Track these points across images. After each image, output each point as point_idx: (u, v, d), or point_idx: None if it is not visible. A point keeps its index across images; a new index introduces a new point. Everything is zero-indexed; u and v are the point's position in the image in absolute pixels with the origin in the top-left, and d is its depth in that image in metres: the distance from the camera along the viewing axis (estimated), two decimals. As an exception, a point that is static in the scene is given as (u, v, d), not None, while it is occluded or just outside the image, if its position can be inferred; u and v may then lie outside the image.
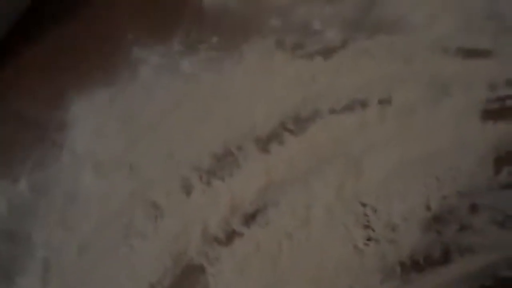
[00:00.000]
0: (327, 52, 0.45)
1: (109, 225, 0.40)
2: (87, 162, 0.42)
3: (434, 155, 0.41)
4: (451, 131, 0.42)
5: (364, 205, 0.39)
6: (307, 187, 0.40)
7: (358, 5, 0.46)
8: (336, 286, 0.37)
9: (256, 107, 0.43)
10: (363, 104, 0.43)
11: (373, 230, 0.38)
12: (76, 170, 0.42)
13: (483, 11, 0.46)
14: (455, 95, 0.43)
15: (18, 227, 0.40)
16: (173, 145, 0.42)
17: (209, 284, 0.38)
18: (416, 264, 0.37)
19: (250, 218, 0.40)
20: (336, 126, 0.42)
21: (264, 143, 0.42)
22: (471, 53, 0.44)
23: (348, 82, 0.43)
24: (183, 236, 0.39)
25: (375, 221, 0.39)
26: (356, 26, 0.45)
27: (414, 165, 0.40)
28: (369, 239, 0.38)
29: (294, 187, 0.40)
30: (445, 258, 0.38)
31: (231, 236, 0.39)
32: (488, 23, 0.46)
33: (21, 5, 0.50)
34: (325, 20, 0.46)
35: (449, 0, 0.47)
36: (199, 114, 0.43)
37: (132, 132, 0.43)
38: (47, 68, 0.47)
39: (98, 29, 0.48)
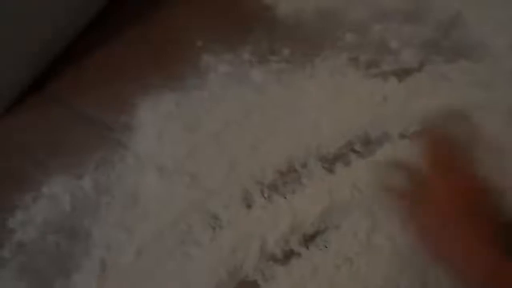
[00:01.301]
0: (402, 73, 0.43)
1: (167, 231, 0.39)
2: (150, 166, 0.42)
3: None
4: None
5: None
6: (370, 213, 0.39)
7: (438, 27, 0.45)
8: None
9: (323, 124, 0.42)
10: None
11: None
12: (138, 173, 0.42)
13: None
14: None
15: (79, 224, 0.41)
16: (236, 156, 0.41)
17: (262, 302, 0.37)
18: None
19: (309, 239, 0.38)
20: (405, 153, 0.41)
21: (330, 162, 0.41)
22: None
23: (422, 106, 0.41)
24: (240, 250, 0.38)
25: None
26: (435, 48, 0.44)
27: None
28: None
29: (357, 211, 0.39)
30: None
31: (288, 255, 0.38)
32: None
33: (91, 11, 0.51)
34: (403, 39, 0.44)
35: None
36: (265, 126, 0.43)
37: (195, 140, 0.43)
38: (115, 72, 0.48)
39: (167, 35, 0.49)
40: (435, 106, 0.41)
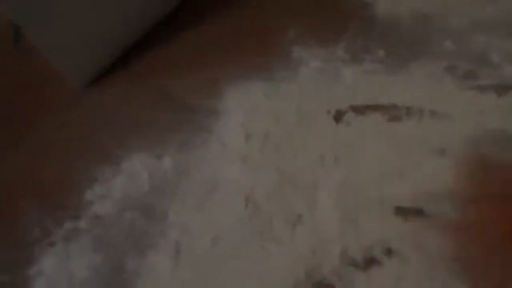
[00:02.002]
0: (502, 89, 0.42)
1: (247, 223, 0.39)
2: (233, 154, 0.42)
3: None
4: None
5: None
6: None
7: (544, 44, 0.43)
8: None
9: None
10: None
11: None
12: (220, 159, 0.42)
13: None
14: None
15: (156, 204, 0.41)
16: (328, 157, 0.40)
17: (337, 307, 0.36)
18: None
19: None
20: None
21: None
22: None
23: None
24: (320, 251, 0.37)
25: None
26: (540, 66, 0.42)
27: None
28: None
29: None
30: None
31: (370, 262, 0.37)
32: None
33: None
34: (505, 54, 0.43)
35: None
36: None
37: (282, 132, 0.42)
38: (203, 56, 0.47)
39: (260, 22, 0.48)
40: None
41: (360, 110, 0.42)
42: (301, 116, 0.42)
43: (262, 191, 0.40)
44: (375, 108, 0.42)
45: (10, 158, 0.46)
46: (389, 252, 0.38)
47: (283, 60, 0.45)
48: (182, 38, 0.49)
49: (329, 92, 0.43)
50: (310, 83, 0.44)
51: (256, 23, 0.48)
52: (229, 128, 0.43)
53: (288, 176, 0.40)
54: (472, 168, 0.40)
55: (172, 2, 0.51)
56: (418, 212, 0.39)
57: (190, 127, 0.44)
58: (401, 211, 0.39)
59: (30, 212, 0.42)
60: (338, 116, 0.42)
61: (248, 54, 0.46)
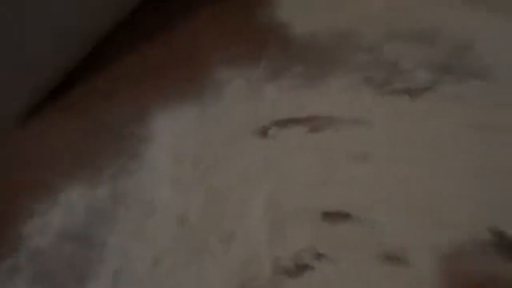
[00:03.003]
0: (415, 93, 0.44)
1: (183, 243, 0.40)
2: (165, 178, 0.43)
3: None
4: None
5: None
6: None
7: (449, 48, 0.46)
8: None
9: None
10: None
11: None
12: (154, 184, 0.43)
13: None
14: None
15: (95, 232, 0.42)
16: (255, 172, 0.42)
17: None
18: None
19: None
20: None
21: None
22: None
23: (434, 125, 0.42)
24: (254, 263, 0.39)
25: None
26: (447, 69, 0.45)
27: (489, 215, 0.39)
28: None
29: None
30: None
31: (301, 268, 0.39)
32: None
33: (107, 24, 0.52)
34: (415, 60, 0.45)
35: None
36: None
37: (211, 152, 0.44)
38: (133, 84, 0.49)
39: (185, 48, 0.50)
40: (446, 125, 0.43)
41: (283, 124, 0.44)
42: (228, 135, 0.44)
43: (195, 211, 0.42)
44: (297, 121, 0.44)
45: None
46: (319, 256, 0.39)
47: (209, 82, 0.47)
48: (111, 67, 0.50)
49: (253, 109, 0.45)
50: (235, 102, 0.46)
51: (182, 50, 0.50)
52: (160, 153, 0.44)
53: (218, 194, 0.42)
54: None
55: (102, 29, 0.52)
56: (345, 217, 0.41)
57: (123, 155, 0.45)
58: (329, 217, 0.41)
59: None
60: (263, 132, 0.44)
61: (176, 79, 0.48)
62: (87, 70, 0.50)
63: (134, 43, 0.51)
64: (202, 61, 0.48)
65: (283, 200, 0.41)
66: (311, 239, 0.39)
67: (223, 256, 0.39)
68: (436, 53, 0.45)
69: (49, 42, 0.48)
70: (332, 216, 0.41)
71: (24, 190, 0.44)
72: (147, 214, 0.42)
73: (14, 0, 0.43)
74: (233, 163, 0.43)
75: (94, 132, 0.47)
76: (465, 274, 0.36)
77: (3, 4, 0.43)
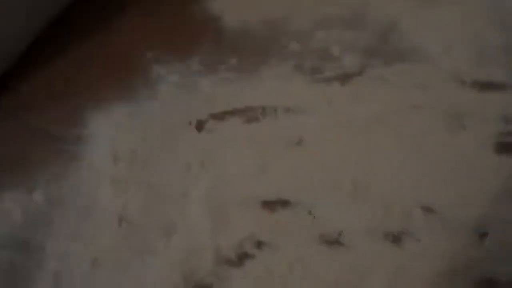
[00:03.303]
0: (345, 78, 0.45)
1: (123, 241, 0.40)
2: (103, 178, 0.43)
3: (445, 183, 0.41)
4: (464, 161, 0.42)
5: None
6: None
7: (376, 33, 0.47)
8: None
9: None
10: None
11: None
12: (92, 184, 0.42)
13: (499, 44, 0.47)
14: (469, 126, 0.43)
15: (31, 237, 0.41)
16: (193, 166, 0.42)
17: (218, 305, 0.38)
18: None
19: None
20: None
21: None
22: (486, 86, 0.45)
23: (364, 108, 0.44)
24: (195, 255, 0.39)
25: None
26: (374, 53, 0.46)
27: (422, 193, 0.41)
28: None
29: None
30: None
31: (243, 257, 0.39)
32: (504, 56, 0.47)
33: (40, 22, 0.51)
34: (344, 46, 0.47)
35: (466, 32, 0.48)
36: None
37: (148, 148, 0.44)
38: (66, 85, 0.48)
39: (117, 49, 0.49)
40: (376, 107, 0.44)
41: (219, 116, 0.45)
42: (165, 130, 0.44)
43: (135, 208, 0.41)
44: (233, 112, 0.45)
45: None
46: (259, 244, 0.40)
47: (143, 80, 0.47)
48: (44, 69, 0.49)
49: (188, 104, 0.45)
50: (170, 98, 0.46)
51: (116, 48, 0.49)
52: (97, 153, 0.44)
53: (158, 189, 0.42)
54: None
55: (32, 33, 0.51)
56: (284, 203, 0.42)
57: (60, 157, 0.44)
58: (268, 205, 0.42)
59: None
60: (200, 126, 0.45)
61: (111, 78, 0.47)
62: (17, 74, 0.49)
63: (66, 44, 0.50)
64: (136, 58, 0.48)
65: (222, 191, 0.42)
66: (252, 228, 0.40)
67: (165, 252, 0.40)
68: (363, 38, 0.47)
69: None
70: (272, 204, 0.41)
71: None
72: (86, 215, 0.41)
73: None
74: (171, 158, 0.43)
75: (30, 137, 0.46)
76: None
77: None
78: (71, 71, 0.49)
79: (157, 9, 0.51)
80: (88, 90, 0.47)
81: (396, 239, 0.39)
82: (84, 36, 0.50)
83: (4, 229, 0.41)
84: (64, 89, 0.48)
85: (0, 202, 0.42)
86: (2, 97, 0.49)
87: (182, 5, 0.51)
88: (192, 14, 0.50)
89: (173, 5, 0.51)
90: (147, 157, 0.43)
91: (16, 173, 0.44)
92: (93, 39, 0.50)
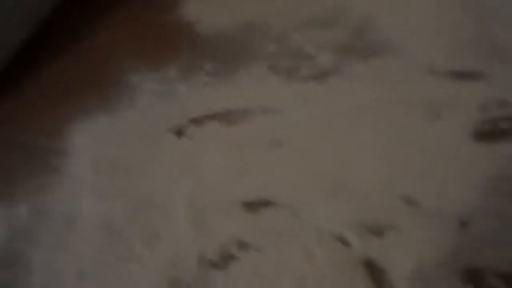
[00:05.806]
0: (321, 77, 0.46)
1: (109, 251, 0.40)
2: (86, 188, 0.43)
3: (426, 174, 0.41)
4: (443, 151, 0.42)
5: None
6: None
7: (350, 30, 0.48)
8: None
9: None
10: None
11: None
12: (75, 196, 0.43)
13: (474, 34, 0.48)
14: (447, 116, 0.44)
15: (17, 252, 0.41)
16: (174, 172, 0.43)
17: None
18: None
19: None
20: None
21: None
22: (462, 76, 0.45)
23: (341, 105, 0.44)
24: (180, 261, 0.39)
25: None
26: (349, 50, 0.47)
27: (403, 185, 0.41)
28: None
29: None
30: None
31: (228, 260, 0.39)
32: (479, 45, 0.47)
33: (19, 37, 0.51)
34: (318, 45, 0.47)
35: (440, 23, 0.49)
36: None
37: (129, 157, 0.44)
38: (46, 98, 0.48)
39: (95, 59, 0.50)
40: (352, 104, 0.44)
41: (199, 121, 0.45)
42: (145, 138, 0.44)
43: (119, 217, 0.42)
44: (212, 117, 0.45)
45: None
46: (244, 246, 0.40)
47: (121, 90, 0.47)
48: (21, 84, 0.49)
49: (168, 111, 0.45)
50: (149, 106, 0.46)
51: (93, 60, 0.50)
52: (79, 165, 0.44)
53: (141, 197, 0.42)
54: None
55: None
56: (265, 204, 0.42)
57: (42, 170, 0.44)
58: (251, 206, 0.42)
59: None
60: (179, 132, 0.45)
61: (90, 89, 0.48)
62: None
63: (43, 59, 0.50)
64: (113, 69, 0.48)
65: (204, 195, 0.42)
66: (236, 230, 0.40)
67: (149, 259, 0.40)
68: (338, 36, 0.47)
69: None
70: (254, 205, 0.42)
71: None
72: (70, 227, 0.42)
73: None
74: (152, 165, 0.43)
75: (11, 151, 0.46)
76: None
77: None
78: (50, 84, 0.49)
79: (132, 17, 0.52)
80: (68, 102, 0.47)
81: (379, 232, 0.40)
82: (62, 51, 0.50)
83: (-12, 245, 0.42)
84: (43, 103, 0.48)
85: (-17, 218, 0.43)
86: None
87: (157, 12, 0.51)
88: (168, 21, 0.51)
89: (148, 12, 0.52)
90: (128, 166, 0.44)
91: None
92: (71, 53, 0.50)
